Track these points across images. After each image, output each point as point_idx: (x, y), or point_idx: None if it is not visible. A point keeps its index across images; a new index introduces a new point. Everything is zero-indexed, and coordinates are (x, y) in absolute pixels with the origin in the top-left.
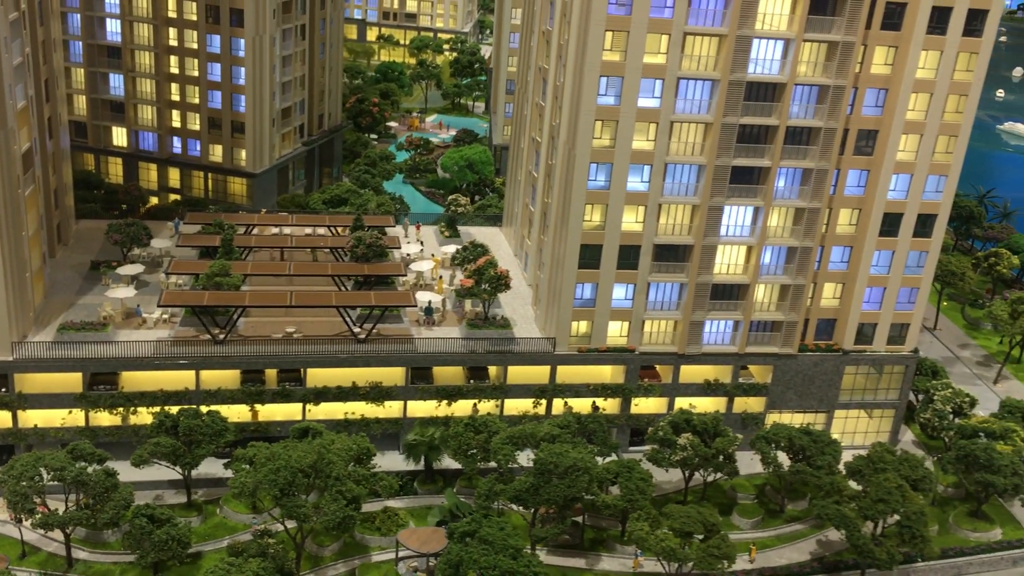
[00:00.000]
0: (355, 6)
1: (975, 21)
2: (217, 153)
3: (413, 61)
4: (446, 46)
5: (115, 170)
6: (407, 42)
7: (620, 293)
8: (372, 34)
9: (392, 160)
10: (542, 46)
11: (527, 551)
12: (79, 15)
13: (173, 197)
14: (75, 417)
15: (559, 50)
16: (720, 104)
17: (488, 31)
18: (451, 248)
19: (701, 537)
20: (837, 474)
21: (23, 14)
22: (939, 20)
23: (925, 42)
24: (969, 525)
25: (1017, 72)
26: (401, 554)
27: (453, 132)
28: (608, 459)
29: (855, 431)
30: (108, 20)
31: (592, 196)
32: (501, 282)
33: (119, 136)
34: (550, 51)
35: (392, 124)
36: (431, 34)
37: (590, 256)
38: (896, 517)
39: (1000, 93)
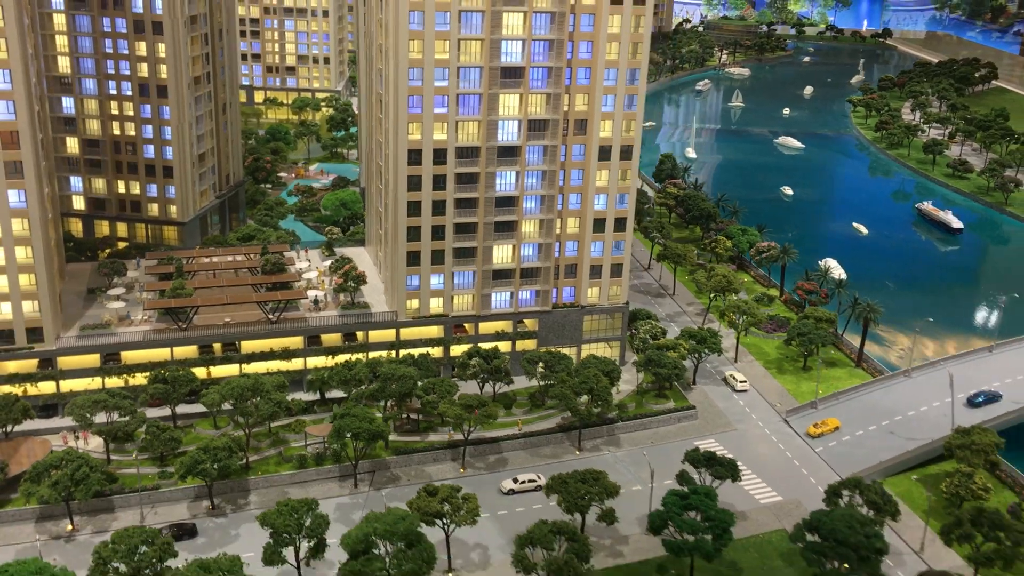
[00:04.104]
0: (243, 74)
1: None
2: (154, 209)
3: (296, 117)
4: (323, 104)
5: (76, 227)
6: (289, 102)
7: (436, 280)
8: (259, 96)
9: (284, 205)
10: (379, 126)
11: (380, 420)
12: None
13: (122, 244)
14: (95, 383)
15: (387, 132)
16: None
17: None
18: (328, 262)
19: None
20: (566, 372)
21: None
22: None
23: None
24: (654, 402)
25: (808, 91)
26: (309, 441)
27: (332, 177)
28: (429, 379)
29: (600, 355)
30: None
31: (411, 230)
32: (359, 280)
33: (78, 201)
34: (384, 129)
35: (282, 174)
36: (310, 94)
37: (413, 260)
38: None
39: (786, 111)
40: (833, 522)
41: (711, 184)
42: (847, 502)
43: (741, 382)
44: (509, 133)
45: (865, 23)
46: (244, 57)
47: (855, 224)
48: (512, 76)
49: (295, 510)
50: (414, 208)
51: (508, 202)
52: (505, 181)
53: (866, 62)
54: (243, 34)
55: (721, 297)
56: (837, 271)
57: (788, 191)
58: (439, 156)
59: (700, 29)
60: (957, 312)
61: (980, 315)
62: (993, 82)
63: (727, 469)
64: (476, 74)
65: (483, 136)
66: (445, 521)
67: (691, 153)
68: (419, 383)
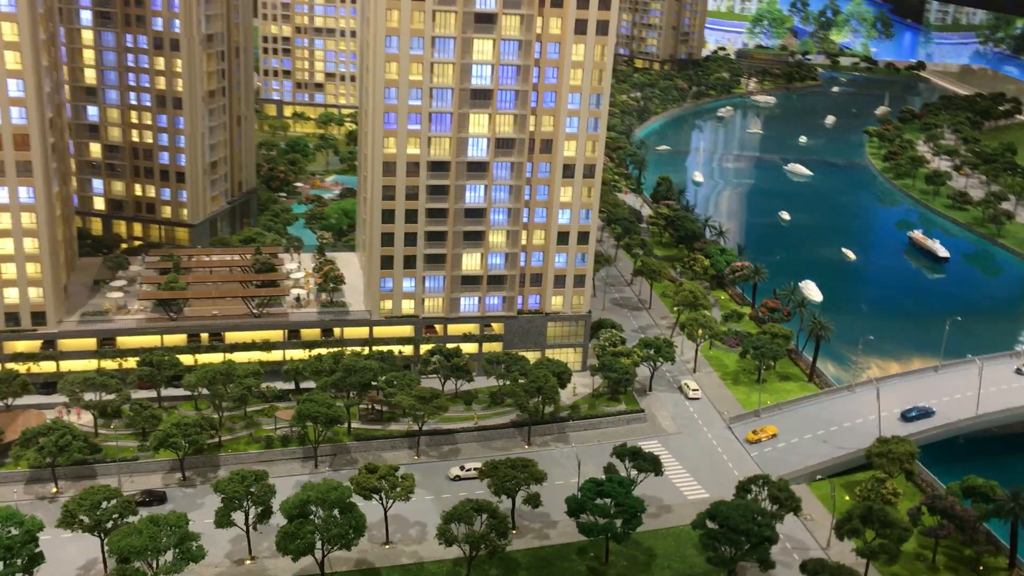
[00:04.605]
0: (274, 89)
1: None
2: (167, 211)
3: (321, 131)
4: (347, 119)
5: (96, 225)
6: (316, 116)
7: (408, 284)
8: (288, 110)
9: (290, 212)
10: (365, 140)
11: (340, 407)
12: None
13: (137, 243)
14: (91, 364)
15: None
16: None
17: None
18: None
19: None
20: (519, 372)
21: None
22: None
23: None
24: (607, 404)
25: (830, 120)
26: (278, 425)
27: (341, 188)
28: (391, 373)
29: (562, 359)
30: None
31: (385, 236)
32: (337, 280)
33: (99, 202)
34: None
35: (299, 184)
36: (336, 110)
37: (387, 264)
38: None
39: (803, 139)
40: (729, 511)
41: (712, 207)
42: (753, 496)
43: (694, 390)
44: (478, 150)
45: (921, 62)
46: (275, 73)
47: (844, 249)
48: (481, 97)
49: (244, 479)
50: (388, 216)
51: (477, 213)
52: (474, 194)
53: (893, 94)
54: (275, 52)
55: (687, 311)
56: (813, 292)
57: (786, 216)
58: (412, 169)
59: (732, 57)
60: (918, 334)
61: (939, 337)
62: (1017, 117)
63: (650, 463)
64: (448, 94)
65: (454, 152)
66: (382, 496)
67: (698, 177)
68: (382, 377)
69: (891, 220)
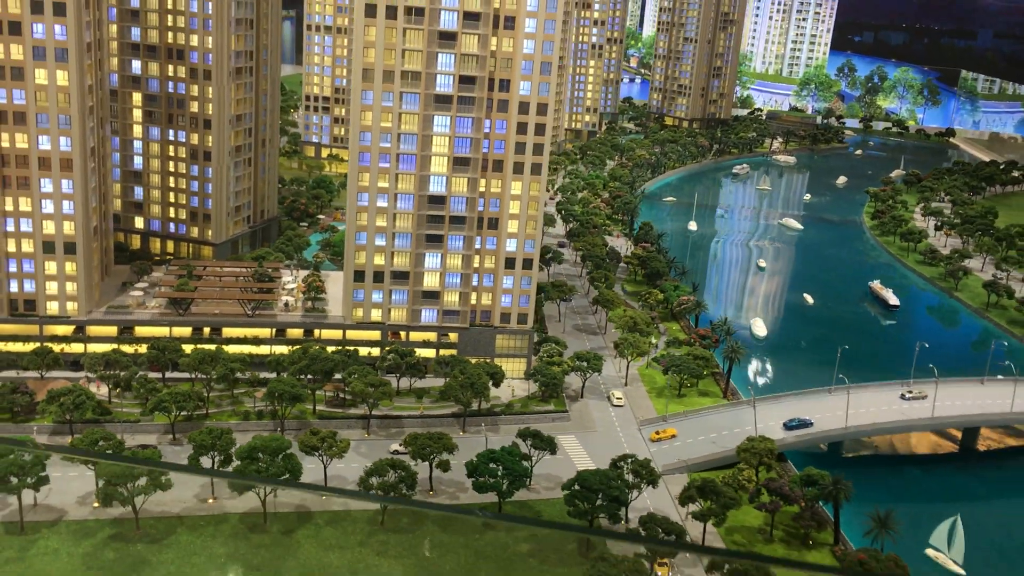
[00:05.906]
0: (313, 133)
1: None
2: (194, 231)
3: None
4: None
5: (135, 241)
6: (347, 159)
7: (377, 296)
8: (324, 152)
9: (302, 238)
10: None
11: (304, 389)
12: (119, 154)
13: (168, 256)
14: (110, 347)
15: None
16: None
17: None
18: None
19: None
20: (459, 371)
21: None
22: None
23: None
24: (538, 405)
25: (841, 180)
26: (256, 403)
27: None
28: (352, 366)
29: (509, 367)
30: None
31: (359, 252)
32: (318, 290)
33: (139, 222)
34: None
35: (321, 216)
36: None
37: (359, 277)
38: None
39: (807, 196)
40: (588, 476)
41: (700, 253)
42: (620, 470)
43: (618, 398)
44: (438, 186)
45: (950, 129)
46: (315, 115)
47: (805, 295)
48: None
49: (211, 432)
50: (361, 237)
51: (436, 239)
52: (434, 222)
53: (921, 159)
54: (315, 109)
55: (628, 334)
56: (759, 328)
57: (762, 263)
58: (381, 199)
59: (763, 118)
60: (843, 366)
61: (859, 368)
62: None
63: (546, 443)
64: (413, 139)
65: (416, 186)
66: (321, 454)
67: (692, 226)
68: (346, 369)
69: (863, 272)
